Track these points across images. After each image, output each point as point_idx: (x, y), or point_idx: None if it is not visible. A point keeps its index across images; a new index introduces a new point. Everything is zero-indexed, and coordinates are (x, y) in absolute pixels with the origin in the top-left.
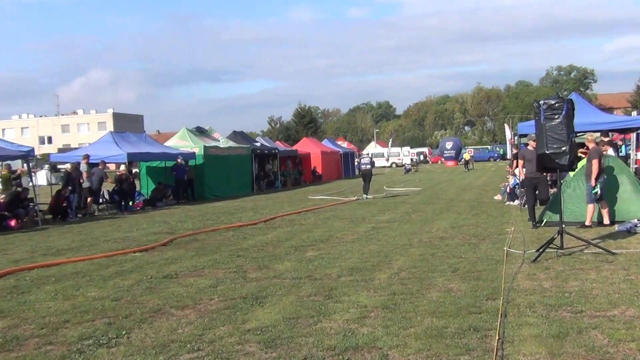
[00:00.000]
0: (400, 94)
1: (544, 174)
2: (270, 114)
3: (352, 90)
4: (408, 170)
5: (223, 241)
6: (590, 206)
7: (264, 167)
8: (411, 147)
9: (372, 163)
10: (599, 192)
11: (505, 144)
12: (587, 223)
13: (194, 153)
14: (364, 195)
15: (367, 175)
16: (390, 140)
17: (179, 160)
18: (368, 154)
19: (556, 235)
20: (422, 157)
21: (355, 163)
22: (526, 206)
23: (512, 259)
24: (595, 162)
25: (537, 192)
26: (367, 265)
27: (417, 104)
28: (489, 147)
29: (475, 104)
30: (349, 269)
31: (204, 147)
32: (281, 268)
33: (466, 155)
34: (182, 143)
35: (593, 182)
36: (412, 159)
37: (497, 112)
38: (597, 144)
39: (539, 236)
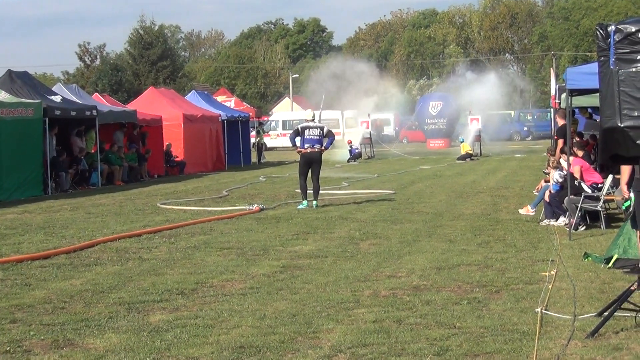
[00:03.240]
0: (343, 4)
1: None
2: (82, 38)
3: None
4: (356, 157)
5: None
6: None
7: (69, 145)
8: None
9: (324, 135)
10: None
11: (548, 108)
12: None
13: None
14: (314, 202)
15: (315, 163)
16: (323, 97)
17: None
18: (313, 119)
19: (636, 287)
20: (382, 131)
21: (251, 138)
22: (581, 228)
23: (551, 329)
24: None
25: None
26: (270, 342)
27: (375, 25)
28: (512, 112)
29: (487, 28)
30: (235, 347)
31: None
32: (100, 346)
33: (465, 146)
34: None
35: (625, 191)
36: (365, 135)
37: (529, 45)
38: None
39: (603, 287)
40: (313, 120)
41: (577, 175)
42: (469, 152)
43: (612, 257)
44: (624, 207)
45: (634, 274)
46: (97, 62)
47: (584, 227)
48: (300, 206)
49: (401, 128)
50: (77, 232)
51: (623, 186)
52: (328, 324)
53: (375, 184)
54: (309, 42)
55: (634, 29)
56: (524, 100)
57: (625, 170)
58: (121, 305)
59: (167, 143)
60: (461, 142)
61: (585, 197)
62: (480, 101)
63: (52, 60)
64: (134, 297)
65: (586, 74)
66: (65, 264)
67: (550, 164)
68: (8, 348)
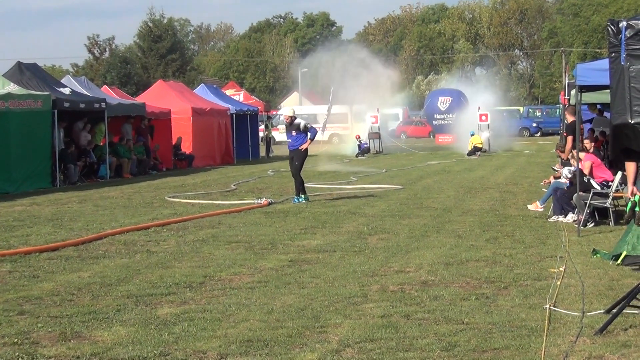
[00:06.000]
0: None
1: None
2: (92, 30)
3: None
4: (364, 151)
5: None
6: None
7: (77, 136)
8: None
9: (304, 131)
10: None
11: (557, 105)
12: None
13: None
14: (301, 197)
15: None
16: (332, 91)
17: None
18: (291, 114)
19: None
20: (393, 126)
21: (260, 132)
22: (589, 225)
23: (559, 326)
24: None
25: None
26: (277, 336)
27: (384, 20)
28: (520, 108)
29: (496, 24)
30: (242, 341)
31: None
32: (108, 338)
33: (475, 139)
34: None
35: (631, 190)
36: (373, 129)
37: (538, 41)
38: None
39: (612, 284)
40: (295, 117)
41: (586, 171)
42: (478, 145)
43: (620, 254)
44: (627, 209)
45: None
46: (106, 54)
47: (593, 224)
48: (302, 200)
49: (409, 123)
50: (85, 225)
51: (630, 186)
52: (336, 318)
53: (383, 179)
54: (318, 36)
55: None
56: (534, 95)
57: (631, 168)
58: (129, 298)
59: (178, 137)
60: (471, 135)
61: (594, 193)
62: (488, 97)
63: (61, 52)
64: (142, 290)
65: (596, 70)
66: (73, 257)
67: (565, 157)
68: (16, 340)
